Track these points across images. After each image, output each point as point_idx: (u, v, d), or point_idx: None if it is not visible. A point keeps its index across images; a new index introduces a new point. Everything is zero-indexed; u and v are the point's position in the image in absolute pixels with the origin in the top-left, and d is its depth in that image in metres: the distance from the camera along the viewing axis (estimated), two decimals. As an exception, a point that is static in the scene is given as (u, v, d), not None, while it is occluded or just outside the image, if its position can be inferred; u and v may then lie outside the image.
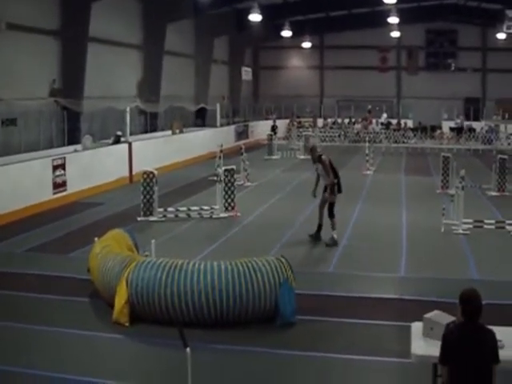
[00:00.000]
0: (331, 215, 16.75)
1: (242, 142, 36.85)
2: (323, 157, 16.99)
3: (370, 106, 53.09)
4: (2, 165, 19.99)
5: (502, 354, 6.46)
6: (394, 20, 43.02)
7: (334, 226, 16.71)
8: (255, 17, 37.14)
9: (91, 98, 27.99)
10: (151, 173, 19.24)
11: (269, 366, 9.46)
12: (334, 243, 16.53)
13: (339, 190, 17.10)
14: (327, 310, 11.45)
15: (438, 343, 6.43)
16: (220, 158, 21.50)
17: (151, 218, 19.16)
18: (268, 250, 15.18)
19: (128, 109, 28.03)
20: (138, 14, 34.73)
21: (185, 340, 6.94)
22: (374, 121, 51.00)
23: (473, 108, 52.42)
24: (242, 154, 26.24)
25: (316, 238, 16.95)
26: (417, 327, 7.82)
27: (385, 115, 52.17)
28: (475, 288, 6.50)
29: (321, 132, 46.83)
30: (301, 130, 45.65)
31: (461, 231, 17.54)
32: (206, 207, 20.02)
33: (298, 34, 50.37)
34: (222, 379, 9.10)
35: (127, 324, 10.61)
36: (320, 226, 16.99)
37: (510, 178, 23.81)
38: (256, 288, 10.54)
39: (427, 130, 45.33)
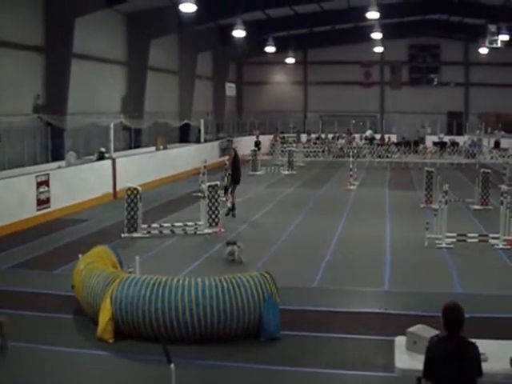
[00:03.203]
0: (225, 192, 23.59)
1: (226, 158, 36.82)
2: (231, 151, 23.77)
3: (353, 121, 53.29)
4: (-15, 182, 19.93)
5: (486, 366, 6.52)
6: (377, 35, 43.19)
7: (228, 199, 23.14)
8: (239, 32, 37.18)
9: (75, 114, 27.94)
10: (135, 189, 19.19)
11: (253, 382, 9.45)
12: (228, 211, 22.57)
13: (235, 181, 23.05)
14: (311, 325, 11.45)
15: (422, 357, 6.47)
16: (204, 173, 21.50)
17: (135, 235, 19.10)
18: (252, 265, 15.20)
19: (112, 125, 28.02)
20: (121, 30, 34.77)
21: (169, 356, 6.94)
22: (356, 136, 50.97)
23: (456, 122, 52.76)
24: (226, 169, 26.25)
25: (231, 214, 22.53)
26: (400, 341, 7.85)
27: (369, 131, 52.29)
28: (458, 301, 6.55)
29: (305, 147, 46.89)
30: (285, 145, 45.66)
31: (444, 245, 17.61)
32: (190, 223, 20.00)
33: (282, 49, 50.55)
34: (207, 395, 9.09)
35: (111, 341, 10.58)
36: (233, 205, 22.72)
37: (493, 192, 23.91)
38: (240, 304, 10.54)
39: (411, 144, 45.50)
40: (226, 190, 23.61)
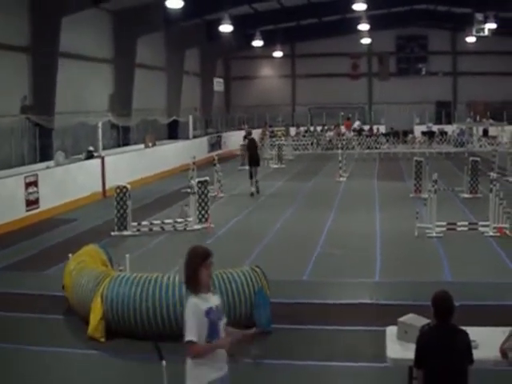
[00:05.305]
0: (251, 177, 26.56)
1: (215, 153, 36.78)
2: (246, 140, 28.67)
3: (342, 113, 53.22)
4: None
5: (476, 354, 6.51)
6: (364, 27, 43.20)
7: (251, 184, 26.43)
8: (226, 27, 37.11)
9: (63, 114, 27.83)
10: (124, 187, 19.13)
11: (245, 376, 9.43)
12: (251, 194, 26.02)
13: (251, 163, 26.95)
14: (303, 318, 11.46)
15: (413, 346, 6.47)
16: (193, 169, 21.49)
17: (125, 233, 19.05)
18: (242, 260, 15.17)
19: (100, 123, 27.96)
20: (108, 28, 34.66)
21: (160, 353, 6.93)
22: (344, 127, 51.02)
23: (444, 111, 52.88)
24: (215, 165, 26.26)
25: (256, 191, 26.26)
26: (392, 331, 7.86)
27: (358, 122, 52.36)
28: (448, 290, 6.54)
29: (294, 140, 46.85)
30: (274, 139, 45.60)
31: (434, 234, 17.65)
32: (179, 220, 19.95)
33: (269, 43, 50.42)
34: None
35: (103, 339, 10.55)
36: (256, 182, 26.62)
37: (483, 180, 23.96)
38: (231, 298, 10.53)
39: (399, 134, 45.56)
40: (251, 175, 26.65)
